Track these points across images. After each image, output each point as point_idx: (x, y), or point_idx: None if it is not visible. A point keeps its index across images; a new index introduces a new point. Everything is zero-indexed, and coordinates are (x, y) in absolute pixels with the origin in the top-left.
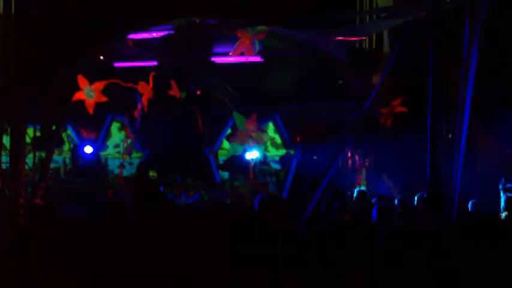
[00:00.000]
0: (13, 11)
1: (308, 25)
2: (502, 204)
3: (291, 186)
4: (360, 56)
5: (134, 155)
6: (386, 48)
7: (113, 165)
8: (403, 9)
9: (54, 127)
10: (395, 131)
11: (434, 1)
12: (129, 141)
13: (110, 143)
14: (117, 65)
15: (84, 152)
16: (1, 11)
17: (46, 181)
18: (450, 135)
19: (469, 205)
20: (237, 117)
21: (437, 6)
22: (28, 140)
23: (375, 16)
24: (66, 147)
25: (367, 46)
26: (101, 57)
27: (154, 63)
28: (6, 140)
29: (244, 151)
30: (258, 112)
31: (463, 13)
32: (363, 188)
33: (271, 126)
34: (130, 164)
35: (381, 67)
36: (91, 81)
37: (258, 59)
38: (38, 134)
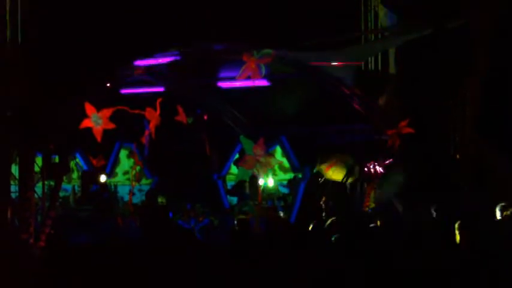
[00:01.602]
0: (19, 39)
1: (314, 47)
2: None
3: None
4: (365, 77)
5: (143, 181)
6: (392, 69)
7: (123, 192)
8: (407, 28)
9: (62, 155)
10: (403, 151)
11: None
12: (138, 167)
13: (119, 169)
14: (124, 91)
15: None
16: (8, 39)
17: (55, 209)
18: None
19: None
20: (245, 142)
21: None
22: (37, 168)
23: (380, 35)
24: (75, 175)
25: (372, 67)
26: (108, 85)
27: (161, 89)
28: (15, 169)
29: (253, 176)
30: (266, 136)
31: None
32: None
33: (278, 150)
34: (140, 190)
35: (386, 88)
36: (98, 109)
37: (264, 82)
38: (46, 162)
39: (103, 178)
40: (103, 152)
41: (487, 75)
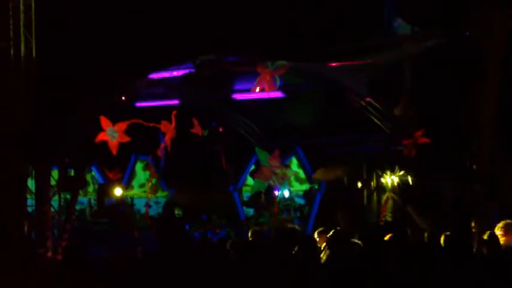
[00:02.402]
0: (34, 53)
1: (328, 56)
2: None
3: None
4: (380, 86)
5: (160, 193)
6: (406, 78)
7: (139, 204)
8: (421, 37)
9: (78, 169)
10: (419, 162)
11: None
12: (154, 180)
13: (135, 182)
14: (138, 104)
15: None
16: (22, 54)
17: (72, 223)
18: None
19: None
20: (260, 153)
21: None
22: (53, 182)
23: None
24: (90, 188)
25: (387, 76)
26: (123, 98)
27: (176, 102)
28: (31, 183)
29: (269, 187)
30: (281, 147)
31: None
32: (388, 219)
33: (294, 161)
34: (157, 203)
35: (401, 97)
36: (113, 122)
37: (279, 94)
38: (62, 176)
39: (118, 192)
40: (119, 165)
41: (502, 84)
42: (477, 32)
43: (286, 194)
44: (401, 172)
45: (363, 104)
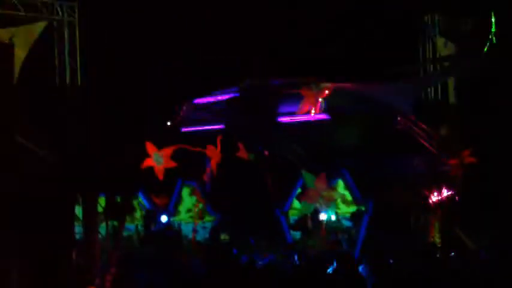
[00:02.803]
0: (79, 81)
1: (372, 79)
2: None
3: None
4: (425, 107)
5: (206, 218)
6: (452, 98)
7: (186, 230)
8: (466, 58)
9: (124, 195)
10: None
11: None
12: (200, 205)
13: (182, 208)
14: (184, 129)
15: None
16: (68, 82)
17: (120, 249)
18: None
19: None
20: (307, 176)
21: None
22: (100, 209)
23: (438, 66)
24: (138, 214)
25: (432, 97)
26: (169, 123)
27: (221, 126)
28: (78, 210)
29: (316, 210)
30: (327, 170)
31: None
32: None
33: (340, 184)
34: (204, 228)
35: (447, 118)
36: (159, 148)
37: (324, 116)
38: (109, 203)
39: (164, 218)
40: (165, 191)
41: None
42: None
43: (333, 217)
44: (449, 192)
45: (412, 127)
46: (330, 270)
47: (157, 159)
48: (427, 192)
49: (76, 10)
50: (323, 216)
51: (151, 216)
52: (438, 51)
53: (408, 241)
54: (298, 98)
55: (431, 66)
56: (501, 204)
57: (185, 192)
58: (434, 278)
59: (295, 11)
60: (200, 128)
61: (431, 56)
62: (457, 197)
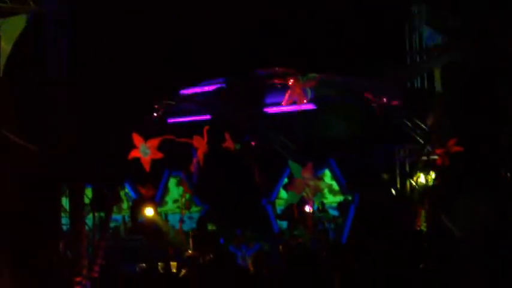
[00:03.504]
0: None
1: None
2: None
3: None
4: (412, 96)
5: (193, 209)
6: (438, 87)
7: (173, 220)
8: (453, 47)
9: (111, 186)
10: (452, 171)
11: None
12: (187, 195)
13: (169, 198)
14: (170, 120)
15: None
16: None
17: (106, 240)
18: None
19: None
20: (293, 166)
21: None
22: (87, 200)
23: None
24: (125, 205)
25: (419, 86)
26: (155, 114)
27: (208, 117)
28: (65, 201)
29: (302, 200)
30: (314, 159)
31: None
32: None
33: (327, 173)
34: (190, 218)
35: (433, 107)
36: (146, 139)
37: (310, 106)
38: (96, 194)
39: (149, 212)
40: (152, 182)
41: None
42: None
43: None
44: (434, 176)
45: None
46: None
47: (144, 150)
48: (414, 182)
49: None
50: (308, 208)
51: (138, 207)
52: (424, 42)
53: (394, 230)
54: (284, 89)
55: (418, 57)
56: (487, 192)
57: (172, 183)
58: (420, 267)
59: (280, 2)
60: (187, 119)
61: (417, 47)
62: (443, 186)
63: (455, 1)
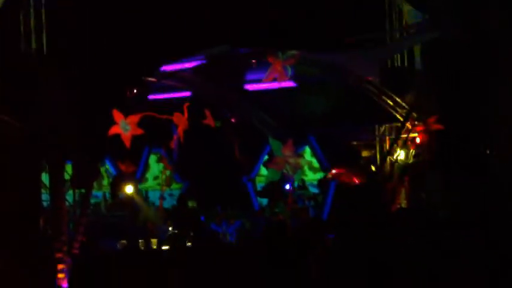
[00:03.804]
0: (45, 49)
1: (338, 47)
2: None
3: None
4: (392, 74)
5: (174, 186)
6: (418, 65)
7: (154, 197)
8: (433, 25)
9: (91, 162)
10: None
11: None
12: (167, 172)
13: (149, 175)
14: (151, 97)
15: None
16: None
17: (87, 217)
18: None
19: None
20: (274, 143)
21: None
22: (67, 176)
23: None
24: (105, 182)
25: (399, 64)
26: (135, 91)
27: (188, 93)
28: (45, 177)
29: (282, 177)
30: (294, 137)
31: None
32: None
33: (307, 151)
34: (171, 195)
35: (413, 85)
36: (126, 115)
37: (290, 84)
38: (76, 170)
39: (129, 189)
40: (132, 158)
41: None
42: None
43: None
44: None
45: (365, 84)
46: None
47: (124, 127)
48: (393, 158)
49: None
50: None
51: (118, 183)
52: (404, 20)
53: (375, 208)
54: (264, 66)
55: (398, 34)
56: (468, 169)
57: (152, 159)
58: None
59: None
60: (167, 96)
61: (398, 25)
62: (422, 163)
63: None
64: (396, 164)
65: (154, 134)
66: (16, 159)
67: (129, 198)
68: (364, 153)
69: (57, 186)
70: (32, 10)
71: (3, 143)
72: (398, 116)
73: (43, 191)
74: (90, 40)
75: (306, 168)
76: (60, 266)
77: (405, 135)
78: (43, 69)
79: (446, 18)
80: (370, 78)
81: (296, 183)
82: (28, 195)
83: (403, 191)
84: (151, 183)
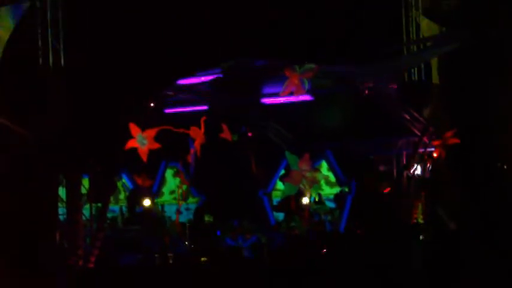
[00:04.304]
0: (62, 62)
1: (355, 59)
2: None
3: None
4: (409, 88)
5: (190, 200)
6: (435, 79)
7: (170, 211)
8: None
9: (108, 177)
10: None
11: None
12: (184, 186)
13: (166, 189)
14: (167, 111)
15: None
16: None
17: (103, 231)
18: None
19: None
20: (290, 157)
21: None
22: (84, 190)
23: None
24: (122, 196)
25: (416, 78)
26: (152, 105)
27: (205, 107)
28: (62, 191)
29: (299, 191)
30: (311, 151)
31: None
32: (420, 221)
33: (324, 165)
34: (187, 209)
35: (431, 99)
36: (143, 129)
37: (307, 97)
38: (93, 184)
39: (147, 203)
40: (149, 172)
41: None
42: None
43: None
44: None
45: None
46: None
47: (141, 141)
48: (410, 173)
49: None
50: (306, 198)
51: (135, 198)
52: (422, 33)
53: (391, 222)
54: (282, 79)
55: (415, 47)
56: (483, 185)
57: (169, 173)
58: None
59: None
60: (184, 109)
61: (415, 37)
62: (439, 178)
63: None
64: (413, 178)
65: (171, 148)
66: (33, 173)
67: (147, 212)
68: (381, 168)
69: (74, 200)
70: (49, 23)
71: (19, 157)
72: (415, 130)
73: (60, 204)
74: (106, 54)
75: (322, 182)
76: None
77: (422, 150)
78: (61, 82)
79: (463, 32)
80: (388, 90)
81: (312, 198)
82: (45, 209)
83: (420, 205)
84: (168, 198)
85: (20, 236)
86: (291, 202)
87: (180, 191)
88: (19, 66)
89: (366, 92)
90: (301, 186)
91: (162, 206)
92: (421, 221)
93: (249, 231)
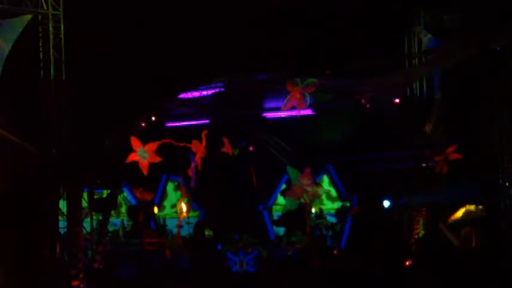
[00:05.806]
0: (63, 76)
1: (357, 73)
2: None
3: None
4: (411, 103)
5: (191, 213)
6: (437, 94)
7: (171, 225)
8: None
9: (109, 190)
10: (450, 178)
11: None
12: (185, 200)
13: (167, 203)
14: (169, 125)
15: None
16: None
17: (104, 244)
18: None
19: None
20: (291, 172)
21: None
22: (84, 203)
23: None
24: (123, 209)
25: (418, 93)
26: (153, 118)
27: (206, 121)
28: (62, 204)
29: (300, 206)
30: (312, 165)
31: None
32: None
33: (325, 179)
34: (188, 223)
35: (432, 114)
36: (144, 143)
37: (309, 112)
38: (92, 197)
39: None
40: (149, 185)
41: None
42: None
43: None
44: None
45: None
46: None
47: (142, 154)
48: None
49: (61, 3)
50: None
51: (135, 211)
52: (424, 47)
53: (393, 237)
54: (283, 93)
55: (417, 60)
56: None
57: (170, 187)
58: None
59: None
60: (185, 123)
61: (416, 51)
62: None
63: (453, 5)
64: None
65: (172, 162)
66: (34, 185)
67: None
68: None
69: (75, 213)
70: (51, 37)
71: (21, 170)
72: (417, 145)
73: (60, 218)
74: (109, 67)
75: (323, 197)
76: None
77: (423, 164)
78: (63, 95)
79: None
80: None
81: (313, 213)
82: (45, 222)
83: (421, 220)
84: (169, 211)
85: (21, 249)
86: (291, 216)
87: (181, 204)
88: (21, 77)
89: (368, 106)
90: (302, 200)
91: (164, 219)
92: (422, 236)
93: (250, 245)
